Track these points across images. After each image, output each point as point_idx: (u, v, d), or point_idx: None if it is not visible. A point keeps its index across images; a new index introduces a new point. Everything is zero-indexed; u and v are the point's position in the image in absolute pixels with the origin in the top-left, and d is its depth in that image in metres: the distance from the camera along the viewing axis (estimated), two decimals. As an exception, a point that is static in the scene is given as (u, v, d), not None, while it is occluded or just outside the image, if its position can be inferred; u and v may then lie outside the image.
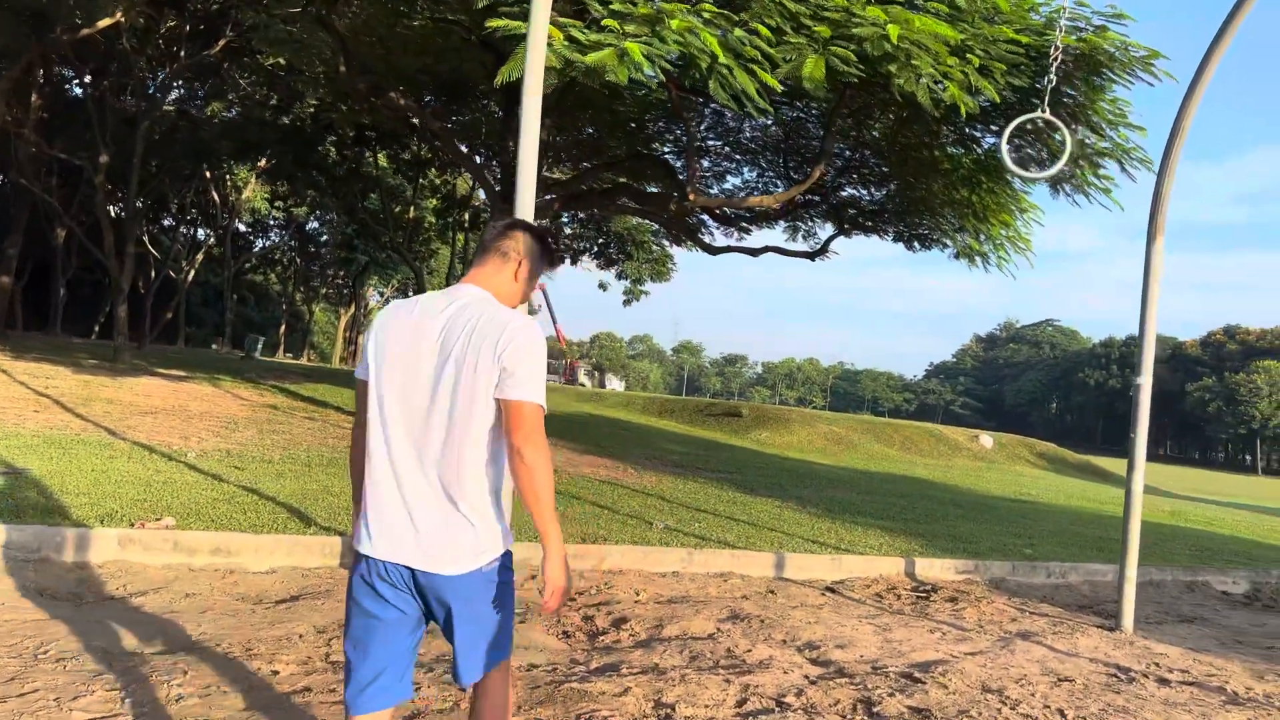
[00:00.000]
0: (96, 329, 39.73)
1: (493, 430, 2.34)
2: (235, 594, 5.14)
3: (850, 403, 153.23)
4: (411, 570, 2.31)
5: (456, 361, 2.31)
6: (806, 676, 4.57)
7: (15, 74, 17.13)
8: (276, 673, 3.82)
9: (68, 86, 26.11)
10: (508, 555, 2.45)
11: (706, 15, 7.60)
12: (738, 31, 7.63)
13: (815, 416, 31.11)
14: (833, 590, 6.96)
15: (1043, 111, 6.81)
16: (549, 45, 7.12)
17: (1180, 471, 71.92)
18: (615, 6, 7.37)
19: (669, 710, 3.86)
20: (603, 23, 7.15)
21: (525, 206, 4.95)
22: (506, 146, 13.99)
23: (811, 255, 17.04)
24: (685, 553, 7.14)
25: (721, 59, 7.40)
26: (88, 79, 24.22)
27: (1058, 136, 10.08)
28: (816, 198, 17.05)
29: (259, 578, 5.53)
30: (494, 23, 7.16)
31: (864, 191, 16.68)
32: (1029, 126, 10.96)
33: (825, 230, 17.77)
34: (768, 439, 25.27)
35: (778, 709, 4.02)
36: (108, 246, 21.02)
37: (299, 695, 3.59)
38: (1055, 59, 7.49)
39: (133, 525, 5.72)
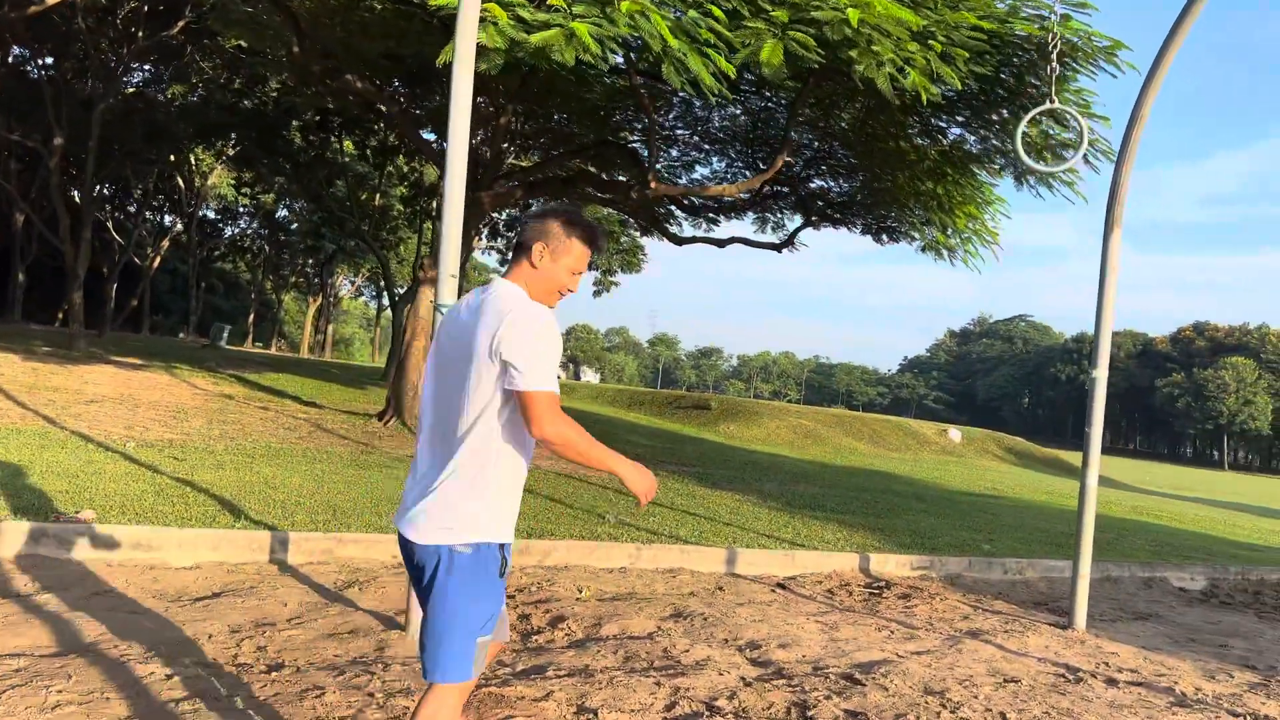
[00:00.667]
0: (61, 316, 39.02)
1: (494, 418, 2.42)
2: (152, 591, 4.91)
3: (825, 396, 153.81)
4: (403, 537, 2.50)
5: (464, 352, 2.43)
6: (743, 678, 4.40)
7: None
8: (171, 676, 3.60)
9: (25, 68, 25.50)
10: (488, 548, 2.45)
11: (661, -4, 7.40)
12: (691, 14, 7.44)
13: (784, 410, 31.05)
14: (783, 587, 6.81)
15: (1051, 102, 6.65)
16: (494, 25, 6.91)
17: (1148, 466, 72.71)
18: (566, -15, 7.15)
19: (591, 715, 3.67)
20: (549, 2, 6.92)
21: (454, 188, 4.73)
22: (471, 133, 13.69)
23: (778, 247, 16.89)
24: (634, 548, 6.95)
25: (673, 43, 7.20)
26: (49, 60, 23.70)
27: (1070, 124, 9.90)
28: (785, 189, 16.90)
29: (180, 574, 5.29)
30: (436, 0, 6.92)
31: (832, 183, 16.54)
32: (999, 116, 10.86)
33: (794, 222, 17.63)
34: (735, 432, 25.15)
35: (707, 713, 3.85)
36: (63, 232, 20.55)
37: (188, 702, 3.37)
38: (1054, 46, 7.34)
39: (48, 518, 5.46)
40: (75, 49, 21.69)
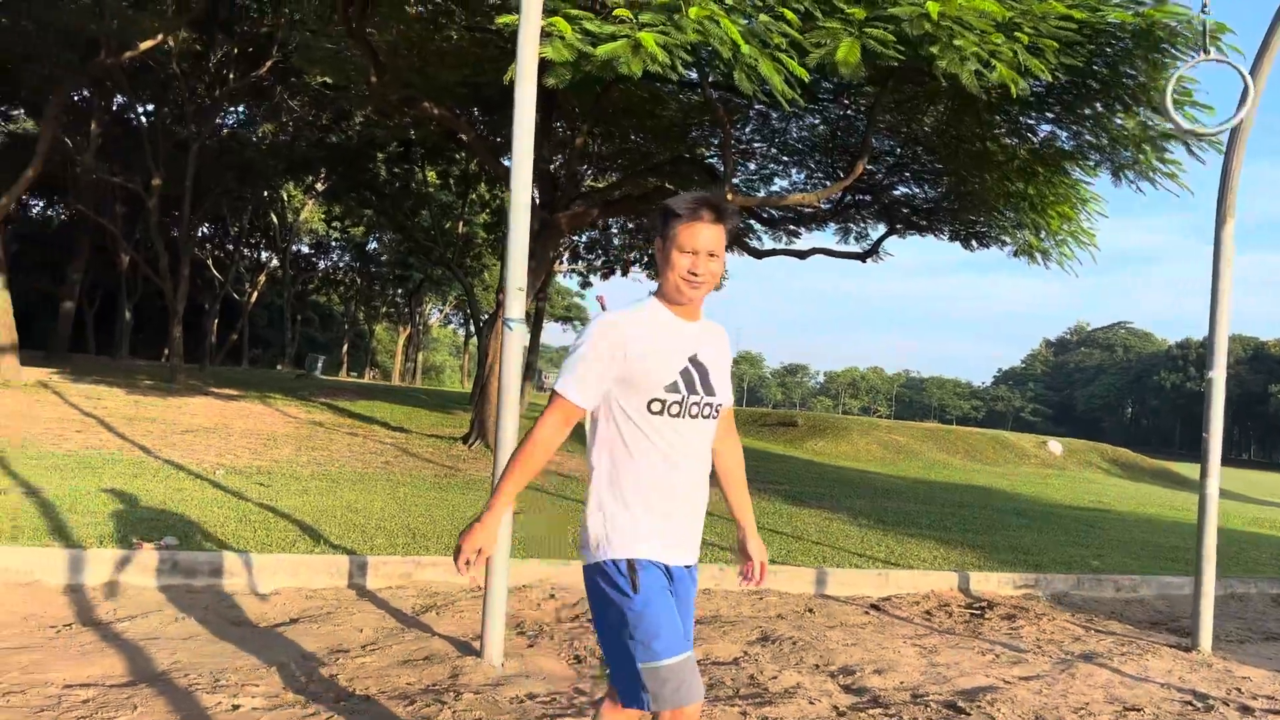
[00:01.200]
0: (166, 353, 40.63)
1: (597, 431, 2.41)
2: (229, 617, 4.87)
3: (916, 411, 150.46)
4: None
5: None
6: (836, 707, 4.12)
7: (62, 99, 17.42)
8: (237, 708, 3.51)
9: (128, 115, 26.67)
10: (610, 566, 2.34)
11: (729, 1, 7.21)
12: (763, 18, 7.23)
13: (874, 425, 30.34)
14: (877, 608, 6.47)
15: (1205, 54, 6.12)
16: (560, 39, 6.83)
17: (1264, 477, 68.95)
18: (632, -5, 7.03)
19: (672, 748, 3.44)
20: (614, 13, 6.80)
21: (519, 203, 4.61)
22: (543, 155, 13.72)
23: (862, 256, 16.47)
24: (718, 569, 6.71)
25: (744, 49, 7.00)
26: (149, 106, 24.80)
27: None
28: (867, 197, 16.51)
29: (258, 600, 5.26)
30: (502, 19, 6.88)
31: (917, 189, 16.08)
32: (1092, 110, 10.31)
33: (878, 230, 17.19)
34: (823, 449, 24.62)
35: (797, 746, 3.59)
36: (164, 270, 21.35)
37: (252, 733, 3.27)
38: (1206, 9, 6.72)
39: (132, 545, 5.50)
40: (172, 95, 22.60)
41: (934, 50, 7.84)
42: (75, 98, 23.10)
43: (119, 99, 24.92)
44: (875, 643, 5.41)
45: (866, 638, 5.52)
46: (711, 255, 2.35)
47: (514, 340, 4.52)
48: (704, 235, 2.34)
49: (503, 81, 14.90)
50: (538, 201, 13.86)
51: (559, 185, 15.16)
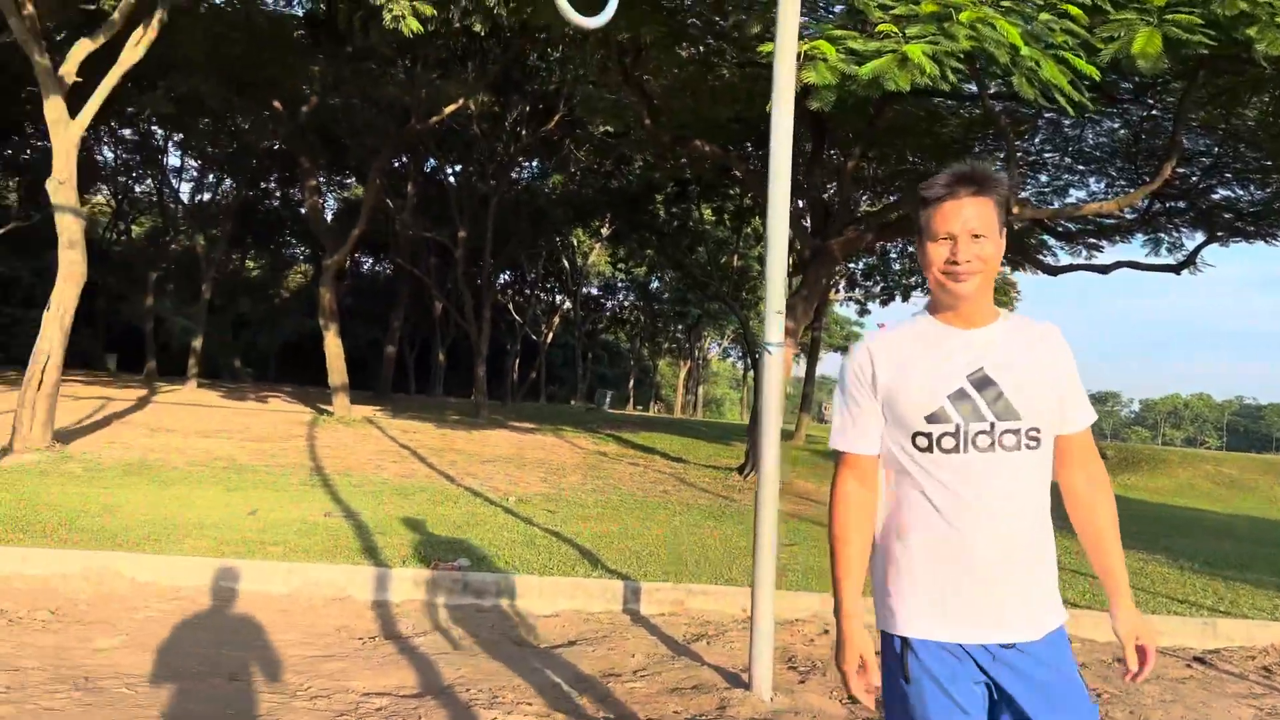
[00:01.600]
0: (473, 390, 44.28)
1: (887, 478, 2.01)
2: (512, 636, 5.12)
3: (1253, 442, 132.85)
4: None
5: None
6: (1146, 772, 3.63)
7: (381, 164, 19.54)
8: (510, 723, 3.65)
9: (438, 176, 29.52)
10: (888, 642, 1.96)
11: (1005, 3, 6.77)
12: (1044, 16, 6.72)
13: (1198, 457, 27.12)
14: (1202, 661, 5.68)
15: None
16: (824, 61, 6.71)
17: None
18: (898, 11, 6.78)
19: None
20: (878, 29, 6.59)
21: (777, 226, 4.55)
22: (814, 183, 13.59)
23: (1176, 269, 14.84)
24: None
25: (1024, 51, 6.53)
26: (456, 166, 27.38)
27: None
28: (1180, 203, 14.91)
29: (540, 620, 5.49)
30: (765, 48, 6.86)
31: (1240, 190, 14.31)
32: None
33: (1194, 239, 15.45)
34: (1137, 483, 22.29)
35: (1097, 813, 3.18)
36: (468, 314, 23.30)
37: (522, 750, 3.37)
38: None
39: (429, 566, 5.95)
40: (475, 154, 24.76)
41: (1251, 32, 6.95)
42: (395, 164, 25.95)
43: (430, 162, 27.66)
44: (1199, 700, 4.74)
45: (1188, 694, 4.85)
46: (976, 236, 1.88)
47: (774, 364, 4.44)
48: (963, 213, 1.88)
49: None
50: (809, 229, 13.71)
51: (831, 211, 14.93)
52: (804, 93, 7.19)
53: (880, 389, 1.94)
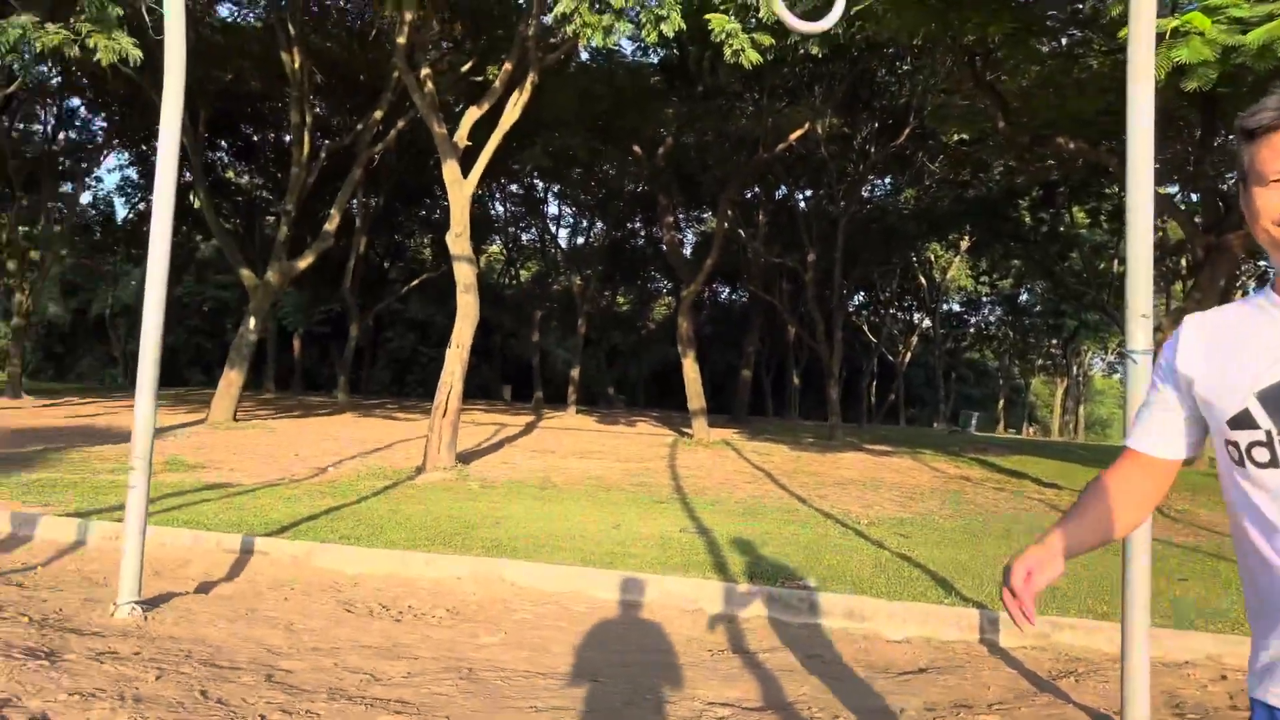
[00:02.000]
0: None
1: (1228, 496, 1.55)
2: (859, 660, 5.03)
3: None
4: None
5: None
6: None
7: (731, 194, 20.20)
8: (849, 744, 3.58)
9: (788, 202, 30.01)
10: (1255, 709, 1.52)
11: None
12: None
13: None
14: None
15: None
16: (1199, 36, 5.98)
17: None
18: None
19: None
20: (1269, -13, 5.75)
21: (1139, 221, 4.12)
22: (1204, 172, 12.05)
23: None
24: None
25: None
26: (806, 191, 27.71)
27: None
28: None
29: (889, 646, 5.34)
30: (1124, 32, 6.25)
31: None
32: None
33: None
34: None
35: None
36: (820, 336, 23.33)
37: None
38: None
39: (778, 583, 6.01)
40: (825, 177, 24.86)
41: None
42: (746, 194, 26.75)
43: (780, 189, 28.16)
44: None
45: None
46: None
47: (1139, 376, 4.02)
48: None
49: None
50: (1200, 225, 12.18)
51: (1228, 203, 13.16)
52: (1177, 72, 6.45)
53: (1181, 381, 1.58)
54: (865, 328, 40.45)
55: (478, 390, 35.19)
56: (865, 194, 26.85)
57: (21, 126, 25.44)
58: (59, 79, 23.00)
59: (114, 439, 13.59)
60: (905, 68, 20.61)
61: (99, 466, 11.10)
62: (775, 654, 4.99)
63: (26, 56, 10.95)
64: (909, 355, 44.12)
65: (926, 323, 43.73)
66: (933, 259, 37.60)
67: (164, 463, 11.12)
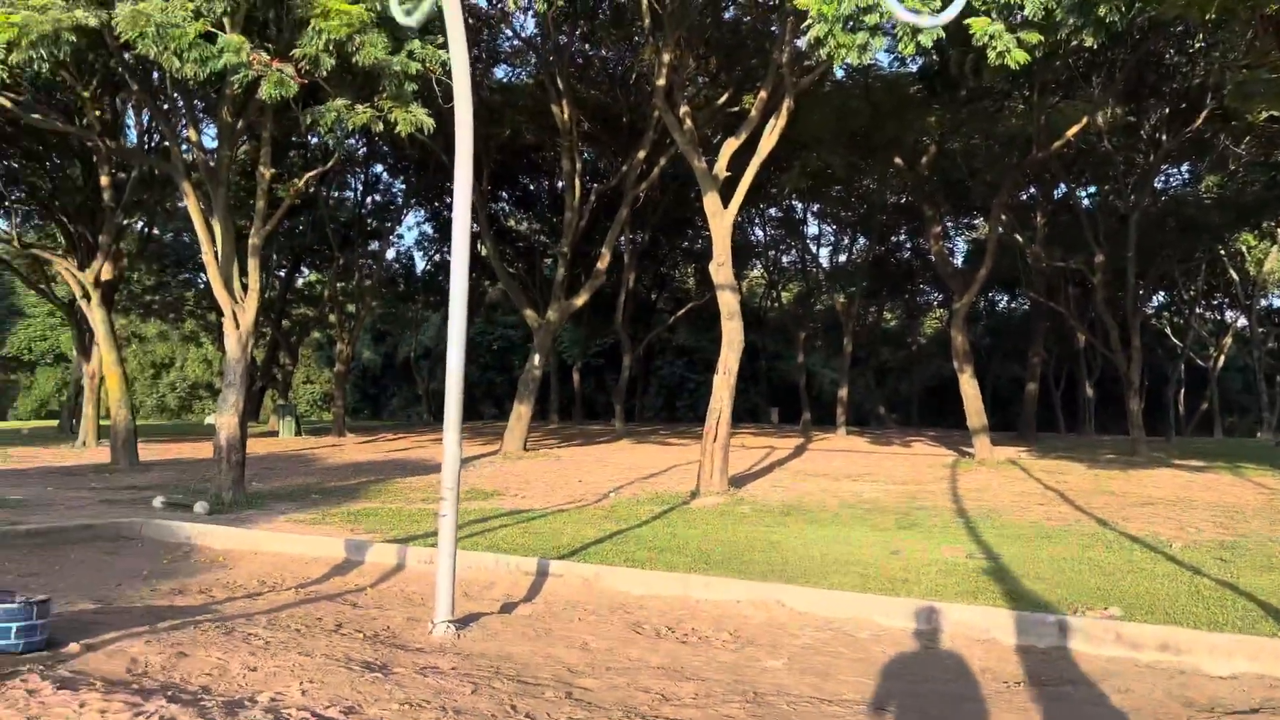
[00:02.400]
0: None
1: None
2: (1178, 696, 4.61)
3: None
4: None
5: None
6: None
7: (1003, 198, 19.14)
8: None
9: (1070, 201, 27.98)
10: None
11: None
12: None
13: None
14: None
15: None
16: None
17: None
18: None
19: None
20: None
21: None
22: None
23: None
24: None
25: None
26: (1090, 188, 25.75)
27: None
28: None
29: (1214, 682, 4.85)
30: None
31: None
32: None
33: None
34: None
35: None
36: (1113, 343, 21.50)
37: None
38: None
39: (1074, 612, 5.63)
40: (1110, 171, 22.95)
41: None
42: (1022, 196, 25.25)
43: (1060, 188, 26.31)
44: None
45: None
46: None
47: None
48: None
49: None
50: None
51: None
52: None
53: None
54: (1168, 330, 36.78)
55: (745, 414, 35.47)
56: (1158, 185, 24.52)
57: (336, 194, 28.92)
58: (364, 150, 25.96)
59: (423, 470, 15.03)
60: (1198, 45, 18.68)
61: (412, 496, 12.32)
62: (1078, 688, 4.68)
63: (339, 134, 12.40)
64: (1222, 358, 39.56)
65: (1242, 321, 39.02)
66: (1245, 251, 33.59)
67: (466, 491, 12.15)
